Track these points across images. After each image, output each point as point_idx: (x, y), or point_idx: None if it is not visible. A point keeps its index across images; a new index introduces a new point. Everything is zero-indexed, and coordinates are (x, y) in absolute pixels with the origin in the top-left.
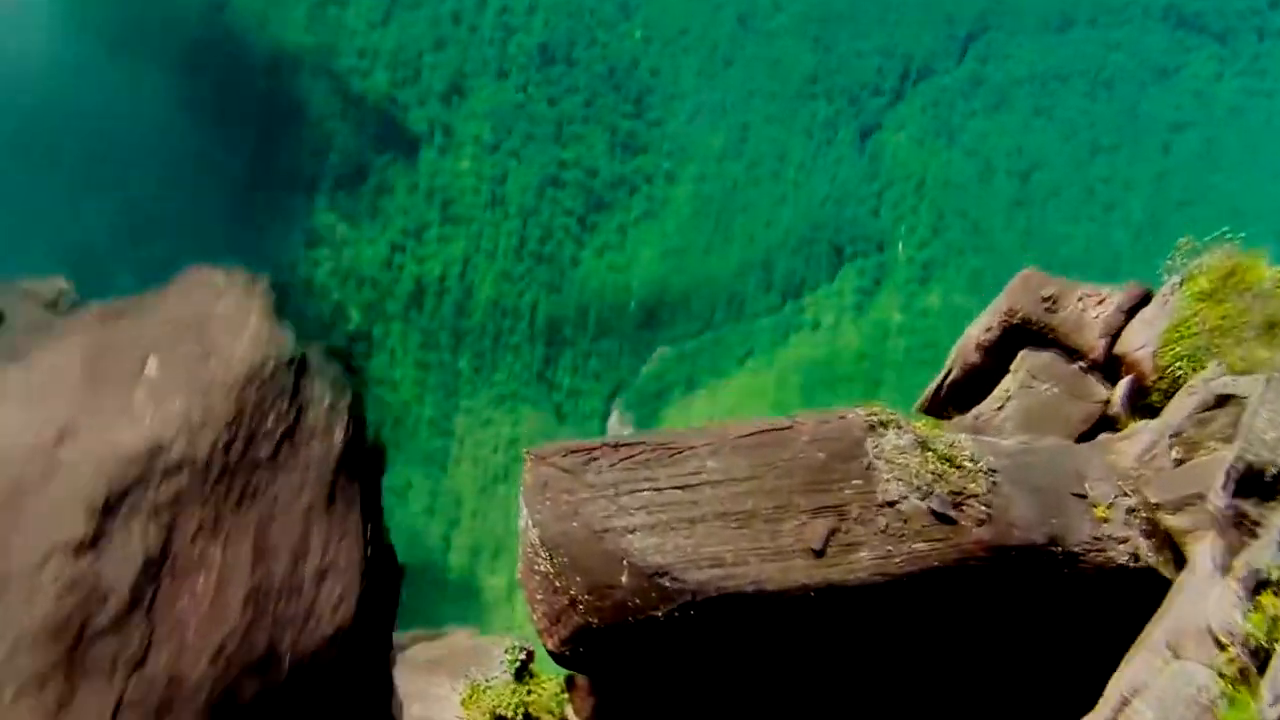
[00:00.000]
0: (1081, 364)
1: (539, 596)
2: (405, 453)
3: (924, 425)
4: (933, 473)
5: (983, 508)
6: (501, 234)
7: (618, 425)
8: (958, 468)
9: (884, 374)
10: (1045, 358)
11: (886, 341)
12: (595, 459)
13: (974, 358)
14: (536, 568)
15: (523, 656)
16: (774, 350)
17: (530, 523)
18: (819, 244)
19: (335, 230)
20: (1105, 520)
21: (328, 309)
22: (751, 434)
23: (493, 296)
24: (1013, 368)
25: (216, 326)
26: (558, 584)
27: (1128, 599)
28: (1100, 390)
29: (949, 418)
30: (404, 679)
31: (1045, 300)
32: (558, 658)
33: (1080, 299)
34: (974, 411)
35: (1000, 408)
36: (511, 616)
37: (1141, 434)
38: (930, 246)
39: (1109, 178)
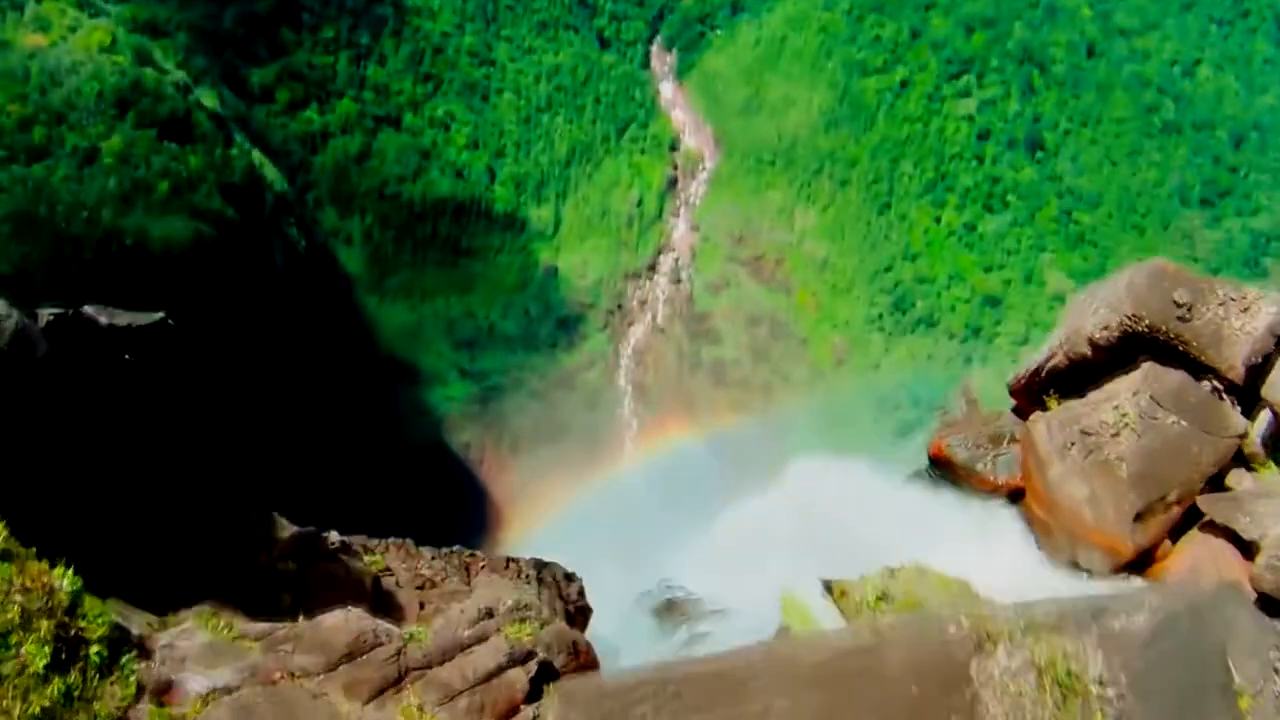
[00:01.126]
0: (1215, 384)
1: None
2: (446, 84)
3: (1039, 640)
4: (1050, 704)
5: None
6: None
7: (659, 57)
8: (1080, 696)
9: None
10: (1174, 382)
11: None
12: (636, 705)
13: (1084, 349)
14: None
15: None
16: None
17: None
18: None
19: None
20: (1248, 713)
21: None
22: (828, 660)
23: None
24: (1134, 388)
25: None
26: None
27: None
28: (1236, 421)
29: (1046, 407)
30: None
31: (1179, 306)
32: None
33: (1221, 303)
34: (1084, 425)
35: (1116, 434)
36: (558, 249)
37: None
38: None
39: None
